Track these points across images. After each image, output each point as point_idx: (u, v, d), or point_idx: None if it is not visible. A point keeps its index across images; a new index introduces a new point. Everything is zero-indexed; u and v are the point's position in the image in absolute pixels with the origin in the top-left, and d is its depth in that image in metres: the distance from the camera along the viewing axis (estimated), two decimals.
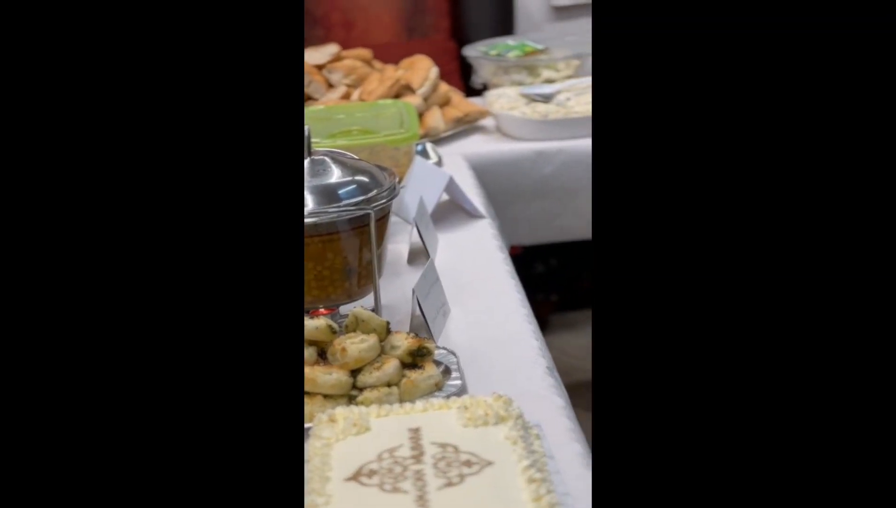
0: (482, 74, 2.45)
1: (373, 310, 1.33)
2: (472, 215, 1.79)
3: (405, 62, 2.30)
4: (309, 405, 1.16)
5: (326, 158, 1.39)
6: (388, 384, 1.18)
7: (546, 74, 2.36)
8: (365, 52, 2.40)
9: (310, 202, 1.33)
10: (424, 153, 1.99)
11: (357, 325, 1.24)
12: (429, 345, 1.23)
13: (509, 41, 2.51)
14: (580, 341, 3.04)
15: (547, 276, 3.08)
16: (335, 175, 1.38)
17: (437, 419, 1.09)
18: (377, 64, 2.38)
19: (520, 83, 2.34)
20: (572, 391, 2.69)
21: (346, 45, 2.46)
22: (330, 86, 2.31)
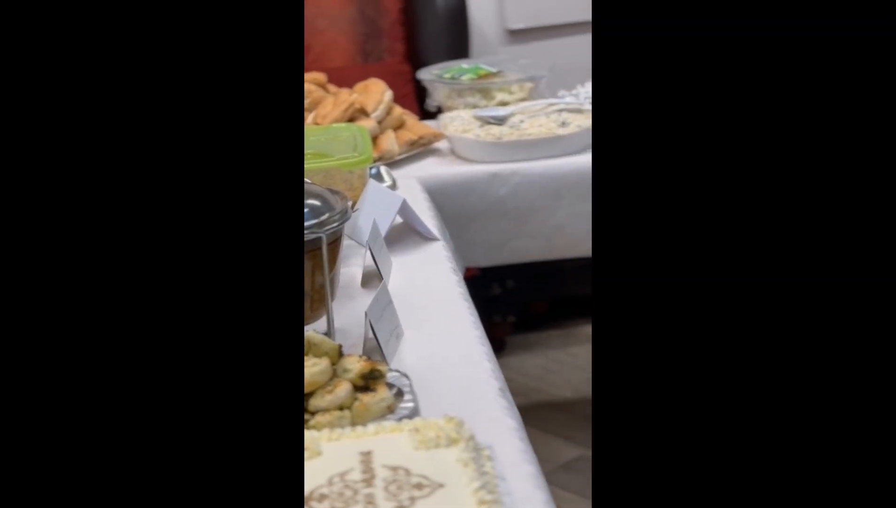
0: (436, 97, 2.46)
1: (325, 334, 1.33)
2: (425, 237, 1.79)
3: (359, 86, 2.31)
4: None
5: None
6: (341, 408, 1.17)
7: (500, 96, 2.37)
8: (320, 76, 2.41)
9: None
10: (378, 176, 1.99)
11: (309, 348, 1.23)
12: (381, 368, 1.23)
13: (463, 64, 2.53)
14: (537, 362, 3.05)
15: (504, 298, 3.09)
16: None
17: (389, 442, 1.09)
18: (332, 88, 2.39)
19: (474, 106, 2.36)
20: (530, 412, 2.70)
21: None
22: None
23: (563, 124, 2.15)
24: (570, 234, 2.13)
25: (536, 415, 2.71)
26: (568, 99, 2.31)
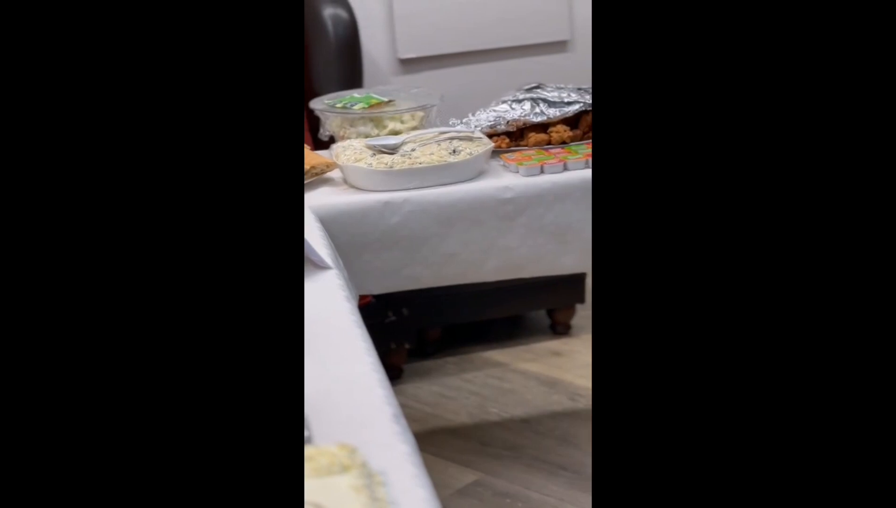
0: (329, 126, 2.47)
1: None
2: (318, 266, 1.79)
3: None
4: None
5: None
6: None
7: (392, 125, 2.39)
8: None
9: None
10: None
11: None
12: None
13: (355, 94, 2.54)
14: (433, 388, 3.06)
15: (399, 325, 3.10)
16: None
17: None
18: None
19: (366, 135, 2.37)
20: (426, 438, 2.72)
21: None
22: None
23: (455, 152, 2.17)
24: (463, 261, 2.16)
25: (432, 441, 2.72)
26: (459, 127, 2.34)
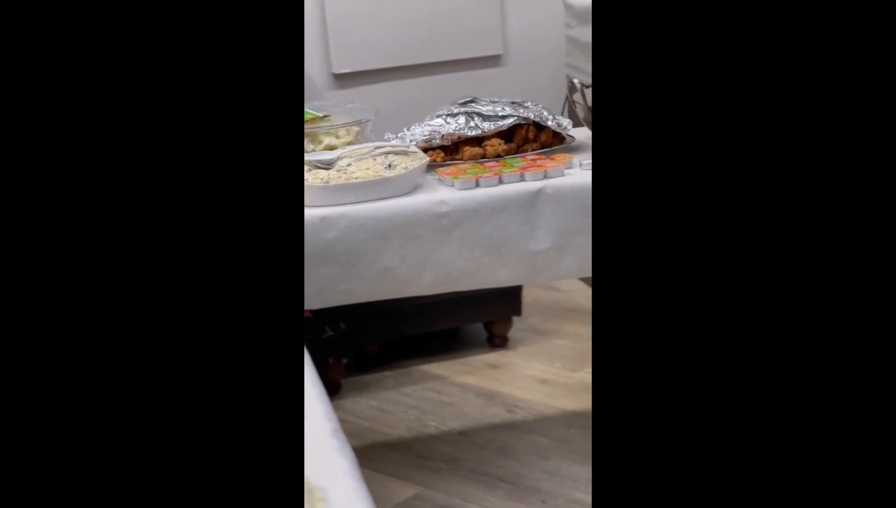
0: None
1: None
2: None
3: None
4: None
5: None
6: None
7: (327, 140, 2.39)
8: None
9: None
10: None
11: None
12: None
13: None
14: (371, 402, 3.06)
15: (336, 340, 3.10)
16: None
17: None
18: None
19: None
20: (365, 453, 2.71)
21: None
22: None
23: (390, 167, 2.18)
24: (399, 275, 2.16)
25: (371, 456, 2.72)
26: (394, 142, 2.35)
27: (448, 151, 2.34)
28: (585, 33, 3.47)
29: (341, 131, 2.41)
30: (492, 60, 3.77)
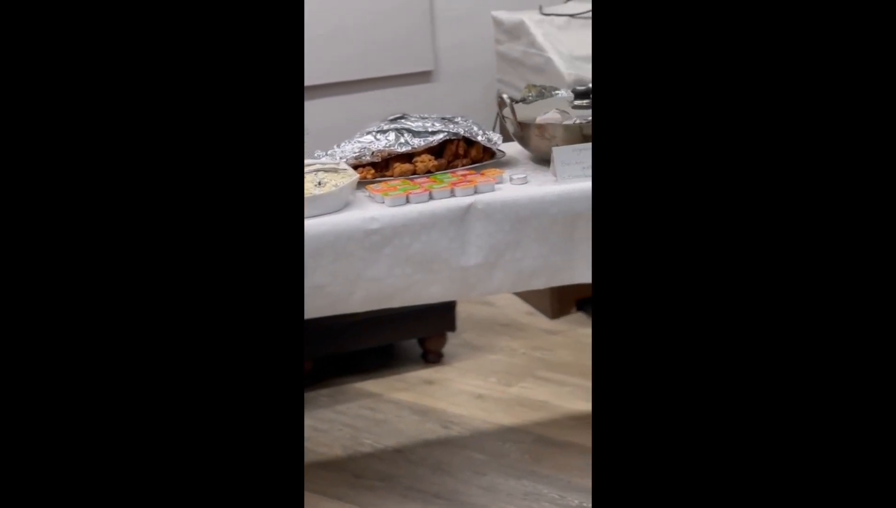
0: None
1: None
2: None
3: None
4: None
5: None
6: None
7: None
8: None
9: None
10: None
11: None
12: None
13: None
14: (306, 421, 3.03)
15: None
16: None
17: None
18: None
19: None
20: None
21: None
22: None
23: (320, 184, 2.17)
24: (331, 293, 2.15)
25: (305, 476, 2.70)
26: (324, 159, 2.33)
27: (378, 167, 2.33)
28: (515, 49, 3.48)
29: None
30: (423, 76, 3.78)
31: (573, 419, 2.92)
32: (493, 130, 2.53)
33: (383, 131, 2.35)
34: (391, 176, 2.31)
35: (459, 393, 3.14)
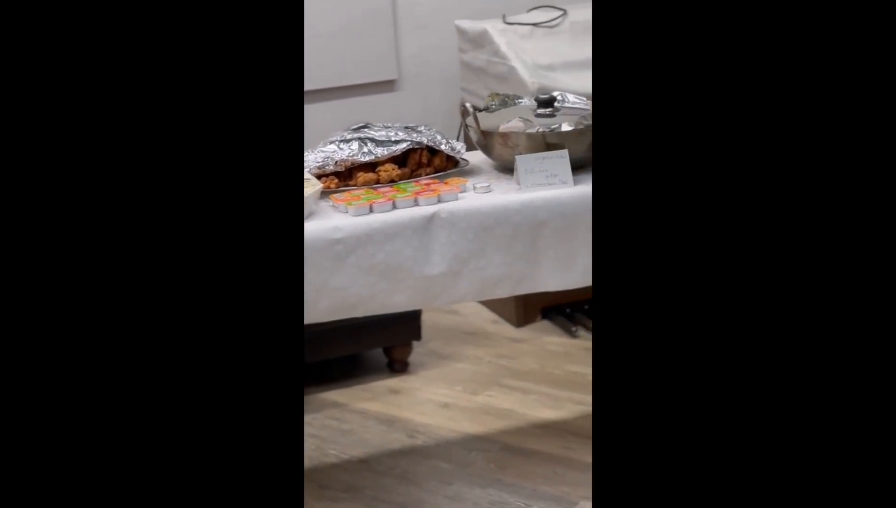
0: None
1: None
2: None
3: None
4: None
5: None
6: None
7: None
8: None
9: None
10: None
11: None
12: None
13: None
14: None
15: None
16: None
17: None
18: None
19: None
20: None
21: None
22: None
23: None
24: None
25: None
26: None
27: (342, 177, 2.33)
28: (479, 57, 3.49)
29: None
30: (386, 85, 3.77)
31: (538, 428, 2.92)
32: (457, 138, 2.53)
33: (346, 141, 2.34)
34: (354, 186, 2.31)
35: (425, 402, 3.14)
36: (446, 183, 2.29)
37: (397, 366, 3.35)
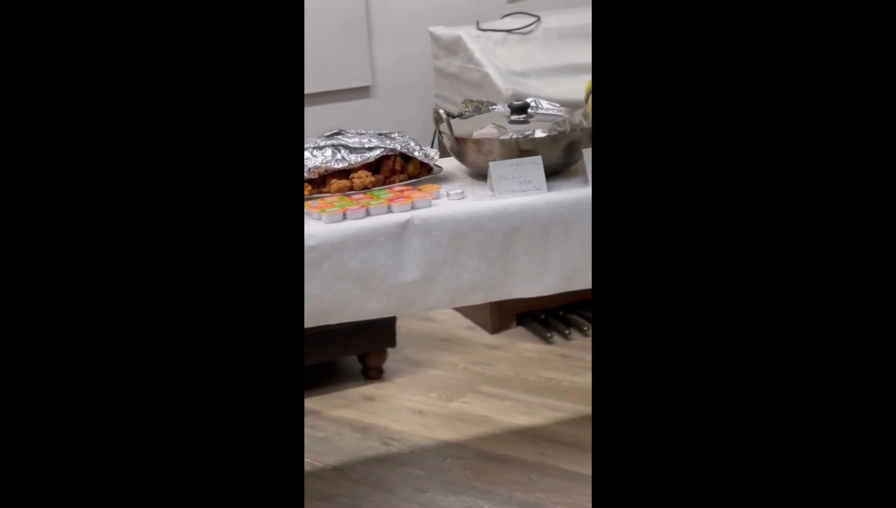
0: None
1: None
2: None
3: None
4: None
5: None
6: None
7: None
8: None
9: None
10: None
11: None
12: None
13: None
14: None
15: None
16: None
17: None
18: None
19: None
20: None
21: None
22: None
23: None
24: None
25: None
26: None
27: (315, 184, 2.32)
28: (453, 64, 3.49)
29: None
30: (360, 92, 3.77)
31: (514, 434, 2.92)
32: (431, 145, 2.53)
33: (320, 148, 2.34)
34: (328, 192, 2.30)
35: (400, 409, 3.13)
36: (420, 190, 2.28)
37: (372, 373, 3.34)
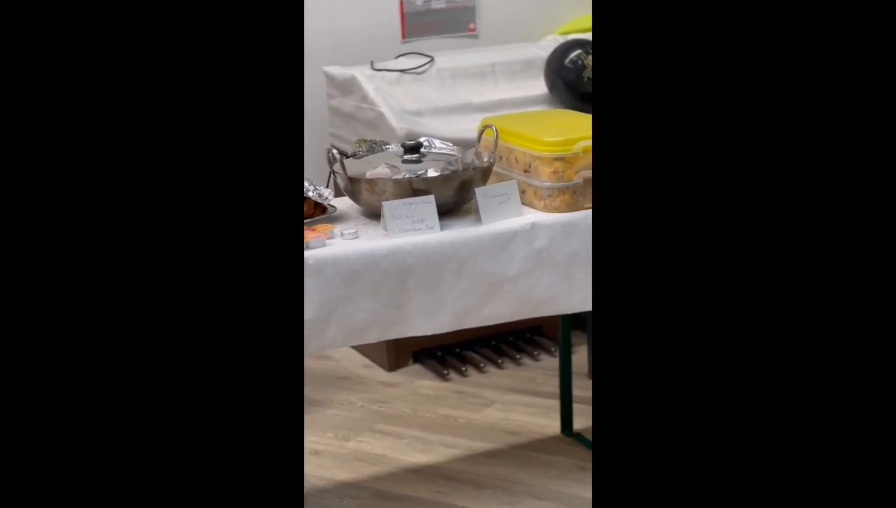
0: None
1: None
2: None
3: None
4: None
5: None
6: None
7: None
8: None
9: None
10: None
11: None
12: None
13: None
14: None
15: None
16: None
17: None
18: None
19: None
20: None
21: None
22: None
23: None
24: None
25: None
26: None
27: None
28: (347, 103, 3.50)
29: None
30: None
31: (411, 472, 2.92)
32: (326, 185, 2.53)
33: None
34: None
35: None
36: (314, 230, 2.28)
37: None
